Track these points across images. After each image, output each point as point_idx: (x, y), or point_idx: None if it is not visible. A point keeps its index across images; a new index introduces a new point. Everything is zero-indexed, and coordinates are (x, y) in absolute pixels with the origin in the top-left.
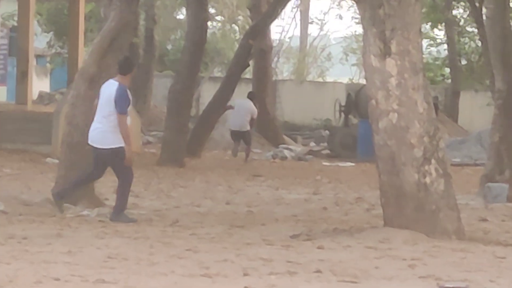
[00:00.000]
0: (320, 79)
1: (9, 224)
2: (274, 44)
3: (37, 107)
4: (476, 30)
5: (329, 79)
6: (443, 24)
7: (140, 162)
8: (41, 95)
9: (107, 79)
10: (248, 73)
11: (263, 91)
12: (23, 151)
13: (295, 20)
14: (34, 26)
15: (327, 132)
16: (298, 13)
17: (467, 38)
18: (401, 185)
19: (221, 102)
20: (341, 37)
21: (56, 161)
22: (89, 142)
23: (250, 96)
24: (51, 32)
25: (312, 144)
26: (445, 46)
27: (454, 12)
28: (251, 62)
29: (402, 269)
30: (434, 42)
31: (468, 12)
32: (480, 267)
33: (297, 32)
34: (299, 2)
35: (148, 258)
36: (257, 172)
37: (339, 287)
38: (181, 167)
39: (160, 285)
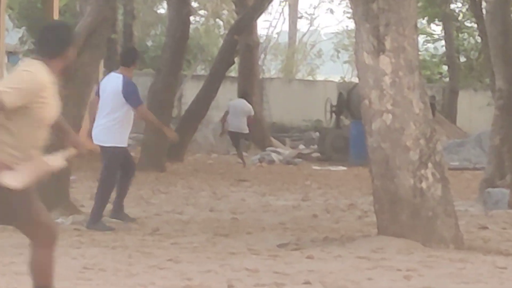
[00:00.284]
0: (310, 78)
1: None
2: (261, 40)
3: None
4: (475, 26)
5: (319, 77)
6: (441, 19)
7: None
8: None
9: (84, 78)
10: (233, 71)
11: (249, 90)
12: None
13: (283, 15)
14: (5, 21)
15: (317, 134)
16: (287, 7)
17: (466, 34)
18: (396, 190)
19: (204, 102)
20: (332, 33)
21: None
22: (94, 140)
23: (243, 94)
24: (24, 28)
25: (302, 146)
26: (443, 42)
27: (452, 6)
28: (236, 59)
29: (397, 280)
30: (431, 38)
31: (467, 7)
32: (480, 278)
33: (286, 27)
34: None
35: (127, 269)
36: (243, 176)
37: None
38: (162, 171)
39: None
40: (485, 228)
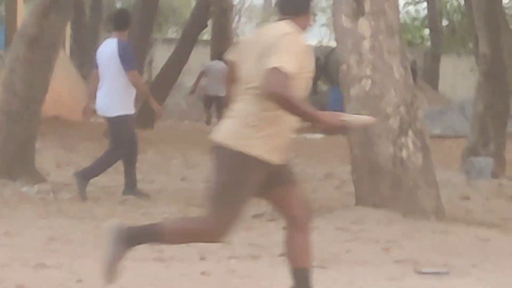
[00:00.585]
0: None
1: None
2: (235, 2)
3: None
4: None
5: None
6: None
7: (85, 134)
8: None
9: (50, 41)
10: (206, 34)
11: (222, 54)
12: None
13: None
14: None
15: None
16: None
17: None
18: (375, 159)
19: (176, 67)
20: None
21: None
22: (98, 111)
23: (219, 56)
24: None
25: None
26: (425, 4)
27: None
28: (209, 22)
29: (376, 252)
30: (412, 0)
31: None
32: (462, 250)
33: None
34: None
35: (95, 240)
36: None
37: None
38: None
39: None
40: (467, 198)
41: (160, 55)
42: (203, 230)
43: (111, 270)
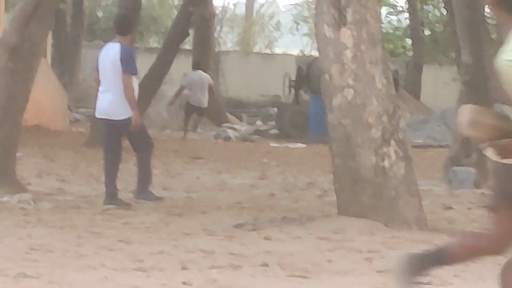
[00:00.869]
0: (268, 51)
1: None
2: (217, 11)
3: None
4: None
5: (277, 50)
6: None
7: (66, 143)
8: None
9: (30, 50)
10: (188, 44)
11: (204, 63)
12: None
13: None
14: None
15: (275, 109)
16: None
17: (430, 6)
18: (357, 169)
19: (157, 75)
20: (291, 4)
21: None
22: (98, 114)
23: (197, 66)
24: None
25: (259, 123)
26: (407, 14)
27: None
28: (191, 31)
29: (358, 262)
30: (394, 10)
31: None
32: None
33: None
34: None
35: (76, 250)
36: (198, 154)
37: (287, 283)
38: None
39: (88, 280)
40: (450, 208)
41: (142, 64)
42: (488, 246)
43: None
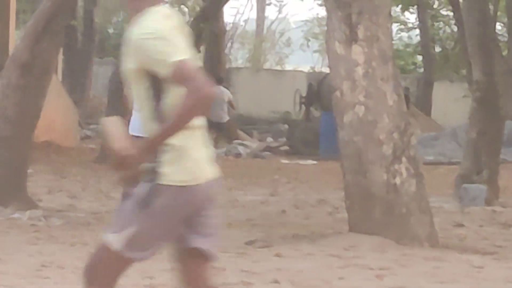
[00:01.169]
0: (279, 67)
1: None
2: (228, 28)
3: None
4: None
5: (288, 67)
6: (415, 6)
7: (77, 159)
8: None
9: (42, 67)
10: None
11: (216, 80)
12: None
13: (251, 1)
14: None
15: (286, 126)
16: None
17: (441, 23)
18: (368, 186)
19: None
20: (302, 21)
21: None
22: (130, 131)
23: (219, 82)
24: None
25: (270, 139)
26: (417, 31)
27: None
28: (202, 48)
29: (369, 279)
30: (405, 26)
31: None
32: (455, 278)
33: (253, 15)
34: None
35: None
36: None
37: None
38: None
39: None
40: (461, 225)
41: None
42: None
43: None
